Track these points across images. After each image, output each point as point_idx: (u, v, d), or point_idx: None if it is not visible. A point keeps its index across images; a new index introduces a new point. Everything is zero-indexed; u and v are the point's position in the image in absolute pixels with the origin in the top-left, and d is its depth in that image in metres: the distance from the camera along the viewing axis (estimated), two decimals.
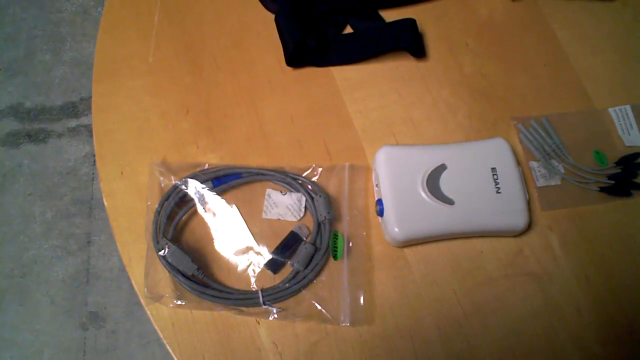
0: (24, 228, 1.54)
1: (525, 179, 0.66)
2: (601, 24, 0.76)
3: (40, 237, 1.53)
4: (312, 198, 0.62)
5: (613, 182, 0.67)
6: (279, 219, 0.64)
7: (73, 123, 1.67)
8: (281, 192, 0.64)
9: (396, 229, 0.59)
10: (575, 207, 0.66)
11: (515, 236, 0.64)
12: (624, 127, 0.70)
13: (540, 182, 0.66)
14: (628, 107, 0.71)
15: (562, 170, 0.67)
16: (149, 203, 0.61)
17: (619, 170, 0.68)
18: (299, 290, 0.60)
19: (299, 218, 0.63)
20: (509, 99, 0.71)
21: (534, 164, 0.67)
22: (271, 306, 0.59)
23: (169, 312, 0.60)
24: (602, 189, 0.66)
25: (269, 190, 0.64)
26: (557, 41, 0.75)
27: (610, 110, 0.71)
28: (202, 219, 0.63)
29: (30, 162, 1.62)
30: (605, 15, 0.77)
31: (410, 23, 0.70)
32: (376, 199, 0.63)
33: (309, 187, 0.64)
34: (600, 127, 0.70)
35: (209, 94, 0.70)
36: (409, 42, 0.69)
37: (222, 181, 0.64)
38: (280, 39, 0.70)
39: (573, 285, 0.63)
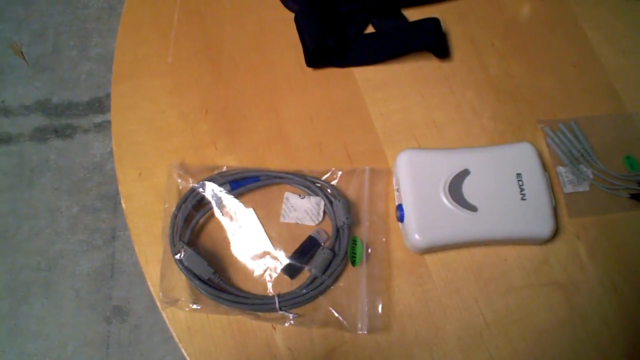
0: (51, 222, 1.56)
1: (552, 185, 0.64)
2: (634, 24, 0.73)
3: (67, 231, 1.55)
4: (331, 202, 0.61)
5: None
6: (297, 223, 0.63)
7: (99, 119, 1.68)
8: (299, 195, 0.63)
9: (417, 236, 0.58)
10: (604, 215, 0.64)
11: (540, 244, 0.61)
12: None
13: (568, 189, 0.64)
14: None
15: (591, 176, 0.65)
16: (166, 205, 0.61)
17: None
18: (316, 297, 0.59)
19: (317, 222, 0.62)
20: (536, 101, 0.69)
21: (561, 169, 0.65)
22: (287, 312, 0.58)
23: (185, 315, 0.59)
24: (632, 196, 0.64)
25: (287, 194, 0.63)
26: (587, 41, 0.72)
27: None
28: (219, 223, 0.62)
29: (57, 157, 1.64)
30: (638, 16, 0.73)
31: (434, 22, 0.68)
32: (397, 204, 0.61)
33: (328, 191, 0.62)
34: (632, 131, 0.68)
35: (228, 94, 0.69)
36: (431, 42, 0.68)
37: (240, 184, 0.63)
38: (300, 39, 0.68)
39: (601, 296, 0.60)
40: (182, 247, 0.58)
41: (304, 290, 0.59)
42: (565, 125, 0.67)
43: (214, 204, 0.61)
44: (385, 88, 0.69)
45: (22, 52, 1.76)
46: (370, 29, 0.74)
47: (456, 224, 0.59)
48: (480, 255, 0.62)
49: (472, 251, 0.62)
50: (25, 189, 1.59)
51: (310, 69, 0.70)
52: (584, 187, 0.65)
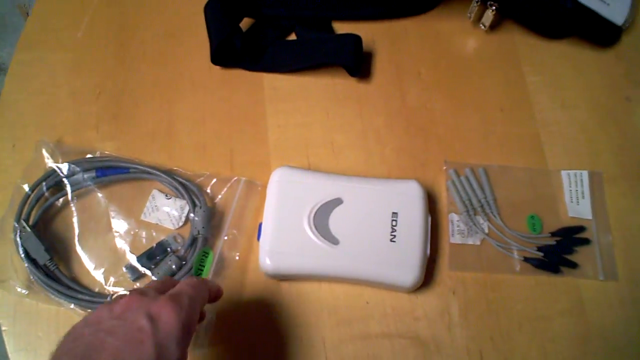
0: None
1: (438, 232, 0.62)
2: (583, 75, 0.70)
3: None
4: (194, 208, 0.60)
5: (542, 254, 0.60)
6: (157, 224, 0.61)
7: None
8: (166, 195, 0.62)
9: (267, 260, 0.56)
10: (489, 274, 0.60)
11: (407, 293, 0.60)
12: (573, 195, 0.64)
13: (456, 239, 0.61)
14: (585, 173, 0.65)
15: (486, 230, 0.62)
16: (18, 181, 0.60)
17: (553, 243, 0.61)
18: None
19: (177, 226, 0.61)
20: (448, 141, 0.66)
21: (454, 216, 0.62)
22: None
23: (14, 299, 0.58)
24: (526, 259, 0.61)
25: (154, 192, 0.63)
26: (524, 86, 0.70)
27: (564, 172, 0.65)
28: (73, 209, 0.61)
29: None
30: (591, 67, 0.70)
31: (353, 39, 0.66)
32: (260, 222, 0.59)
33: (197, 196, 0.61)
34: (546, 189, 0.65)
35: (127, 80, 0.69)
36: (346, 59, 0.66)
37: (107, 173, 0.63)
38: (208, 33, 0.67)
39: None
40: (22, 227, 0.58)
41: None
42: (472, 171, 0.64)
43: (69, 189, 0.61)
44: (291, 100, 0.68)
45: None
46: (293, 37, 0.72)
47: (312, 254, 0.57)
48: (341, 293, 0.60)
49: (333, 287, 0.60)
50: None
51: (218, 68, 0.70)
52: (474, 240, 0.62)
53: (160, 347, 0.36)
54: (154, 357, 0.35)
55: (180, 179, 0.62)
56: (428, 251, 0.57)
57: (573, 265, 0.61)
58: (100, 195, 0.62)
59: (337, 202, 0.58)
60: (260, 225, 0.58)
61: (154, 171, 0.62)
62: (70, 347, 0.36)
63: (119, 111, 0.67)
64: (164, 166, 0.63)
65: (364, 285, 0.59)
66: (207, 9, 0.66)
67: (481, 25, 0.70)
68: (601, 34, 0.70)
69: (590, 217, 0.63)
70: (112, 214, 0.61)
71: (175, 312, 0.38)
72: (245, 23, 0.71)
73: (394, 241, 0.56)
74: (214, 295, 0.48)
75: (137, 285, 0.59)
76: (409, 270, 0.56)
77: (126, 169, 0.62)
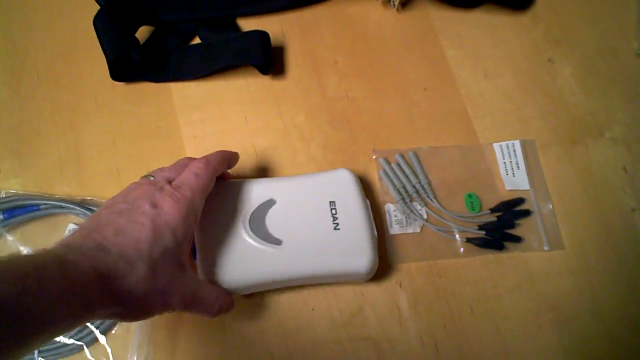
0: None
1: (378, 224, 0.62)
2: (502, 42, 0.71)
3: None
4: None
5: (484, 232, 0.61)
6: None
7: None
8: None
9: (203, 277, 0.55)
10: (434, 260, 0.61)
11: (355, 291, 0.61)
12: (508, 167, 0.65)
13: (395, 229, 0.62)
14: (517, 143, 0.66)
15: (425, 216, 0.62)
16: None
17: (494, 219, 0.62)
18: (81, 348, 0.56)
19: None
20: (375, 129, 0.66)
21: (390, 206, 0.63)
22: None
23: None
24: (469, 240, 0.61)
25: (70, 226, 0.61)
26: (445, 61, 0.70)
27: (496, 145, 0.66)
28: None
29: None
30: (509, 32, 0.72)
31: (260, 36, 0.66)
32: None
33: None
34: (481, 165, 0.66)
35: (23, 110, 0.67)
36: (255, 58, 0.65)
37: (15, 213, 0.60)
38: (102, 48, 0.65)
39: (418, 355, 0.58)
40: None
41: (70, 340, 0.57)
42: (403, 157, 0.65)
43: None
44: (204, 107, 0.67)
45: None
46: (197, 40, 0.71)
47: (257, 260, 0.55)
48: (284, 304, 0.60)
49: (276, 299, 0.60)
50: None
51: (121, 84, 0.68)
52: (413, 229, 0.62)
53: (156, 232, 0.44)
54: (150, 239, 0.43)
55: (96, 209, 0.60)
56: (375, 232, 0.57)
57: (517, 239, 0.62)
58: (10, 238, 0.60)
59: (270, 203, 0.57)
60: (193, 245, 0.57)
61: (67, 204, 0.60)
62: (86, 222, 0.45)
63: (20, 145, 0.65)
64: (77, 197, 0.62)
65: (317, 283, 0.59)
66: (97, 22, 0.64)
67: (391, 4, 0.71)
68: None
69: (527, 187, 0.64)
70: None
71: (174, 204, 0.46)
72: (143, 31, 0.69)
73: (338, 229, 0.56)
74: (227, 162, 0.57)
75: None
76: (362, 254, 0.56)
77: (36, 206, 0.61)
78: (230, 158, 0.57)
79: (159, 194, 0.46)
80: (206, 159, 0.52)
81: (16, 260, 0.36)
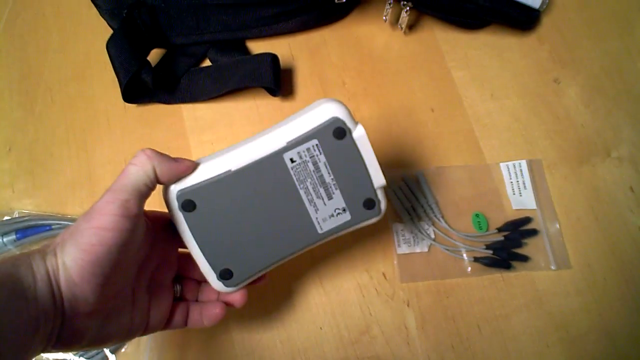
0: None
1: (384, 244, 0.65)
2: (508, 63, 0.72)
3: None
4: None
5: (491, 252, 0.62)
6: None
7: None
8: None
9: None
10: (442, 280, 0.62)
11: (363, 310, 0.62)
12: (515, 187, 0.66)
13: (403, 249, 0.63)
14: (523, 163, 0.67)
15: (433, 236, 0.63)
16: None
17: (501, 239, 0.63)
18: None
19: None
20: (383, 149, 0.68)
21: (398, 226, 0.64)
22: None
23: None
24: (477, 259, 0.62)
25: None
26: (452, 82, 0.71)
27: (502, 165, 0.67)
28: None
29: None
30: (515, 53, 0.73)
31: (270, 58, 0.67)
32: None
33: None
34: (488, 185, 0.67)
35: (38, 130, 0.68)
36: (265, 80, 0.67)
37: (28, 233, 0.61)
38: (114, 71, 0.67)
39: None
40: None
41: (80, 359, 0.57)
42: (410, 177, 0.66)
43: None
44: (214, 128, 0.69)
45: None
46: (207, 63, 0.72)
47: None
48: (292, 322, 0.62)
49: (283, 317, 0.62)
50: None
51: (133, 106, 0.70)
52: (421, 248, 0.63)
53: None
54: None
55: None
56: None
57: (524, 258, 0.63)
58: None
59: None
60: None
61: None
62: None
63: (34, 165, 0.67)
64: None
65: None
66: (110, 46, 0.65)
67: (399, 26, 0.72)
68: (519, 18, 0.72)
69: (534, 207, 0.65)
70: None
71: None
72: (155, 54, 0.71)
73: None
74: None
75: None
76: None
77: (48, 226, 0.62)
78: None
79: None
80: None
81: None
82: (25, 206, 0.64)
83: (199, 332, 0.60)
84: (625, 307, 0.61)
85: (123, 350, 0.59)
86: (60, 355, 0.58)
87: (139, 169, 0.43)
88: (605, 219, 0.64)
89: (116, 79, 0.67)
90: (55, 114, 0.70)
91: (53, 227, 0.62)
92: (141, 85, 0.67)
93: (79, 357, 0.57)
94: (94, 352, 0.58)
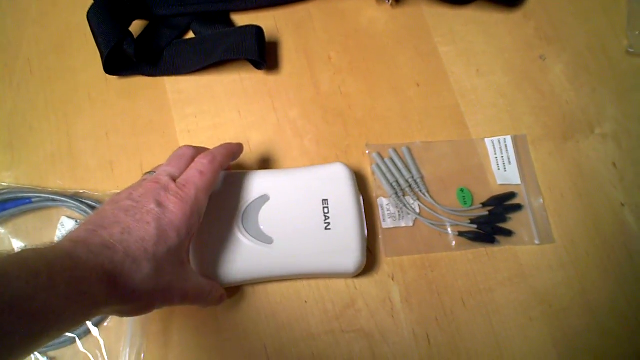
0: None
1: (369, 218, 0.64)
2: (494, 39, 0.73)
3: None
4: None
5: (475, 226, 0.63)
6: None
7: None
8: (76, 221, 0.61)
9: (195, 269, 0.56)
10: (426, 254, 0.62)
11: (348, 284, 0.62)
12: (499, 162, 0.66)
13: (388, 223, 0.63)
14: (508, 138, 0.68)
15: (418, 210, 0.64)
16: None
17: (486, 213, 0.64)
18: (74, 340, 0.57)
19: None
20: (369, 123, 0.68)
21: (383, 200, 0.64)
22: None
23: None
24: (461, 234, 0.63)
25: (63, 219, 0.62)
26: (438, 57, 0.72)
27: (487, 140, 0.67)
28: None
29: None
30: (501, 29, 0.73)
31: (255, 31, 0.67)
32: None
33: None
34: (473, 160, 0.67)
35: (16, 103, 0.68)
36: (249, 52, 0.66)
37: (7, 206, 0.61)
38: (95, 41, 0.66)
39: (410, 347, 0.59)
40: None
41: None
42: (396, 151, 0.66)
43: None
44: (198, 102, 0.68)
45: None
46: (191, 35, 0.72)
47: (248, 258, 0.57)
48: (277, 295, 0.61)
49: (268, 290, 0.61)
50: None
51: (115, 78, 0.69)
52: (406, 222, 0.63)
53: (161, 231, 0.45)
54: (155, 237, 0.44)
55: (89, 202, 0.62)
56: (366, 232, 0.59)
57: (508, 233, 0.63)
58: (2, 231, 0.61)
59: (264, 199, 0.59)
60: None
61: (59, 197, 0.61)
62: (92, 217, 0.45)
63: (13, 138, 0.66)
64: (70, 190, 0.63)
65: (306, 279, 0.60)
66: (91, 16, 0.65)
67: (386, 0, 0.72)
68: None
69: (519, 182, 0.66)
70: (18, 249, 0.60)
71: (178, 203, 0.47)
72: (138, 25, 0.70)
73: (329, 229, 0.58)
74: (232, 155, 0.59)
75: None
76: (350, 255, 0.58)
77: (28, 199, 0.62)
78: (235, 151, 0.58)
79: (164, 193, 0.47)
80: (212, 154, 0.53)
81: (27, 256, 0.36)
82: (4, 179, 0.64)
83: (181, 307, 0.59)
84: (607, 282, 0.62)
85: (105, 324, 0.59)
86: None
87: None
88: (588, 195, 0.65)
89: (97, 51, 0.66)
90: (34, 86, 0.69)
91: (33, 200, 0.62)
92: (123, 57, 0.66)
93: None
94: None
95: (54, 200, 0.61)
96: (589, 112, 0.69)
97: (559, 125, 0.68)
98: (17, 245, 0.61)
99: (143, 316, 0.58)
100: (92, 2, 0.65)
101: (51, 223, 0.62)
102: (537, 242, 0.63)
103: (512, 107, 0.69)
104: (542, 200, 0.65)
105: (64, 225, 0.61)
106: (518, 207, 0.64)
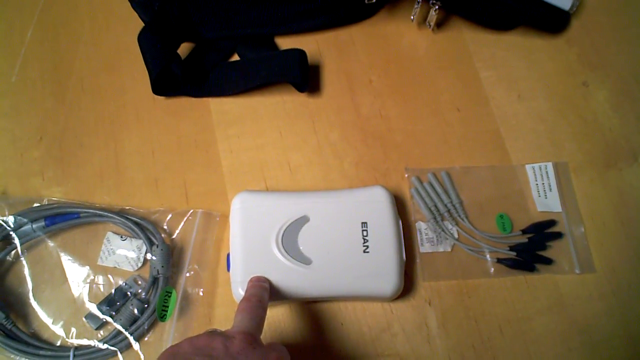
0: None
1: (407, 242, 0.62)
2: (535, 64, 0.71)
3: None
4: (152, 247, 0.60)
5: (514, 253, 0.61)
6: (115, 267, 0.61)
7: None
8: (121, 237, 0.62)
9: (240, 290, 0.56)
10: (464, 280, 0.61)
11: (385, 307, 0.61)
12: (540, 189, 0.65)
13: (425, 248, 0.62)
14: (549, 165, 0.66)
15: (457, 235, 0.62)
16: None
17: (525, 240, 0.62)
18: (115, 353, 0.57)
19: (136, 268, 0.61)
20: (408, 147, 0.67)
21: (422, 225, 0.63)
22: None
23: None
24: (500, 260, 0.61)
25: (109, 234, 0.62)
26: (479, 82, 0.71)
27: (528, 167, 0.66)
28: (24, 263, 0.62)
29: None
30: (543, 55, 0.72)
31: (298, 54, 0.67)
32: (228, 252, 0.59)
33: (154, 233, 0.61)
34: (513, 186, 0.66)
35: (68, 120, 0.69)
36: (292, 75, 0.66)
37: (56, 221, 0.62)
38: (145, 63, 0.67)
39: None
40: None
41: (104, 345, 0.57)
42: (435, 176, 0.65)
43: (17, 242, 0.61)
44: (240, 123, 0.68)
45: None
46: (236, 57, 0.72)
47: (286, 278, 0.57)
48: (313, 317, 0.60)
49: (305, 311, 0.60)
50: None
51: (162, 98, 0.70)
52: (444, 247, 0.62)
53: None
54: None
55: (134, 218, 0.62)
56: (404, 256, 0.58)
57: (548, 261, 0.62)
58: (51, 244, 0.61)
59: (304, 220, 0.58)
60: (228, 256, 0.58)
61: (106, 213, 0.62)
62: None
63: (63, 153, 0.67)
64: (116, 206, 0.63)
65: (343, 301, 0.59)
66: (141, 39, 0.66)
67: (427, 24, 0.71)
68: (549, 20, 0.71)
69: (560, 209, 0.64)
70: (66, 262, 0.61)
71: None
72: (185, 47, 0.71)
73: (367, 252, 0.57)
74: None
75: (100, 333, 0.58)
76: (387, 279, 0.57)
77: (76, 214, 0.62)
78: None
79: None
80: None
81: None
82: (54, 194, 0.65)
83: (221, 322, 0.59)
84: None
85: (146, 338, 0.58)
86: (85, 341, 0.58)
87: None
88: (631, 224, 0.63)
89: (145, 71, 0.66)
90: (85, 103, 0.70)
91: (81, 215, 0.62)
92: (170, 78, 0.67)
93: (103, 343, 0.57)
94: (119, 338, 0.57)
95: (100, 215, 0.62)
96: (633, 140, 0.67)
97: (601, 152, 0.66)
98: (65, 258, 0.61)
99: (182, 332, 0.58)
100: (143, 25, 0.65)
101: (97, 238, 0.62)
102: (577, 271, 0.61)
103: (553, 134, 0.67)
104: (583, 229, 0.63)
105: (110, 241, 0.62)
106: (558, 235, 0.62)
